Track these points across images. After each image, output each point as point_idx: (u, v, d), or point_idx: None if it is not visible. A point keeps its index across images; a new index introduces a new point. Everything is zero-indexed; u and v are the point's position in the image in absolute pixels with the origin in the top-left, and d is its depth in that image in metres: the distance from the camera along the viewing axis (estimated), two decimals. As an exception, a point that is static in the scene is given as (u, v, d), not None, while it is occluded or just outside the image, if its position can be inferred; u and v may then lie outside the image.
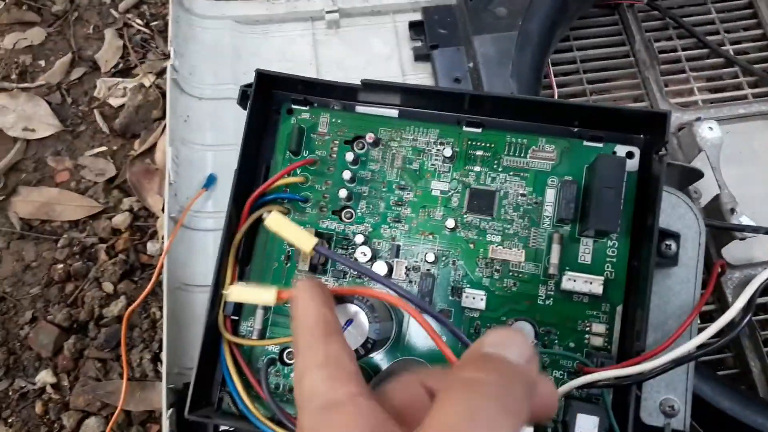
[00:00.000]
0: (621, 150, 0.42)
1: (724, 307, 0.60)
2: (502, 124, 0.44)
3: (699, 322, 0.46)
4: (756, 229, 0.60)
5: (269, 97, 0.46)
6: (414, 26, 0.74)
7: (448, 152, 0.43)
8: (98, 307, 0.67)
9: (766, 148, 0.69)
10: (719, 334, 0.35)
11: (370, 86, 0.43)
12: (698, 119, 0.67)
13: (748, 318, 0.36)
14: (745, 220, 0.61)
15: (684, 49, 0.73)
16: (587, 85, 0.71)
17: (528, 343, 0.21)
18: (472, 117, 0.43)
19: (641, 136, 0.42)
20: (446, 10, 0.74)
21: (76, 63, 0.85)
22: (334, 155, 0.45)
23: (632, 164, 0.41)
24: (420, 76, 0.72)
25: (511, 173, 0.43)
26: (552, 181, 0.42)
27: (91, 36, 0.86)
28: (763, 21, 0.74)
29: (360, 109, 0.46)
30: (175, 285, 0.61)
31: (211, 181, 0.66)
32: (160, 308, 0.67)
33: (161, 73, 0.81)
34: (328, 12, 0.74)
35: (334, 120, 0.45)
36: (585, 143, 0.42)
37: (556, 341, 0.40)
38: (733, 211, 0.62)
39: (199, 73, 0.71)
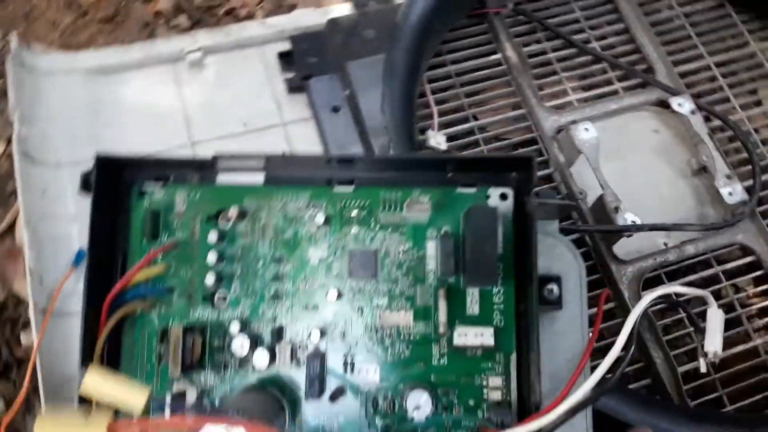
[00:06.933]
0: (494, 192, 0.41)
1: (622, 304, 0.62)
2: (374, 179, 0.41)
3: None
4: (640, 228, 0.62)
5: (117, 179, 0.42)
6: (284, 57, 0.71)
7: (320, 219, 0.40)
8: (-29, 416, 0.60)
9: (640, 139, 0.71)
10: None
11: (224, 158, 0.40)
12: (573, 122, 0.68)
13: (632, 350, 0.36)
14: (629, 217, 0.63)
15: (554, 51, 0.74)
16: (465, 99, 0.70)
17: None
18: (342, 176, 0.41)
19: (513, 174, 0.41)
20: (315, 37, 0.71)
21: None
22: (197, 235, 0.41)
23: (507, 206, 0.40)
24: (296, 108, 0.69)
25: (390, 230, 0.41)
26: (431, 232, 0.41)
27: None
28: (623, 15, 0.76)
29: (221, 178, 0.42)
30: (55, 382, 0.55)
31: (80, 258, 0.60)
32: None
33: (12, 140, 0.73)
34: (189, 52, 0.69)
35: (192, 196, 0.41)
36: (458, 190, 0.41)
37: (456, 401, 0.39)
38: (617, 209, 0.63)
39: (52, 138, 0.64)
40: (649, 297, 0.36)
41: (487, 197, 0.41)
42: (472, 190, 0.41)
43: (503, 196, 0.40)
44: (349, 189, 0.41)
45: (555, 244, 0.39)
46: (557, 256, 0.39)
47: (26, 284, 0.62)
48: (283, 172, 0.41)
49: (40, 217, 0.60)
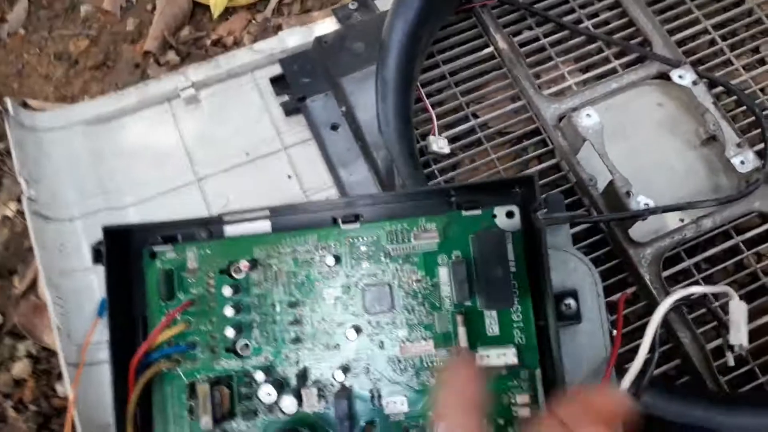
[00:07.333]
0: (500, 211, 0.40)
1: (643, 287, 0.61)
2: (379, 213, 0.42)
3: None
4: (653, 211, 0.61)
5: (126, 246, 0.42)
6: (276, 81, 0.71)
7: (330, 259, 0.40)
8: (22, 473, 0.62)
9: (644, 115, 0.70)
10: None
11: (230, 214, 0.40)
12: (574, 109, 0.67)
13: (655, 359, 0.35)
14: (642, 200, 0.62)
15: (545, 36, 0.73)
16: (462, 97, 0.70)
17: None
18: (346, 214, 0.41)
19: (517, 189, 0.41)
20: (304, 58, 0.70)
21: None
22: (212, 289, 0.41)
23: (515, 223, 0.40)
24: (296, 130, 0.69)
25: (400, 261, 0.41)
26: (442, 259, 0.41)
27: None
28: (612, -12, 0.74)
29: (230, 230, 0.42)
30: (93, 431, 0.56)
31: (103, 307, 0.61)
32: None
33: (23, 198, 0.74)
34: (182, 89, 0.69)
35: (202, 252, 0.42)
36: (464, 213, 0.41)
37: (485, 422, 0.39)
38: (629, 194, 0.62)
39: (62, 194, 0.65)
40: (666, 303, 0.36)
41: (494, 216, 0.40)
42: (477, 212, 0.41)
43: (510, 214, 0.40)
44: (356, 226, 0.41)
45: (568, 258, 0.39)
46: (571, 269, 0.39)
47: (54, 338, 0.63)
48: (289, 218, 0.41)
49: (59, 273, 0.62)
